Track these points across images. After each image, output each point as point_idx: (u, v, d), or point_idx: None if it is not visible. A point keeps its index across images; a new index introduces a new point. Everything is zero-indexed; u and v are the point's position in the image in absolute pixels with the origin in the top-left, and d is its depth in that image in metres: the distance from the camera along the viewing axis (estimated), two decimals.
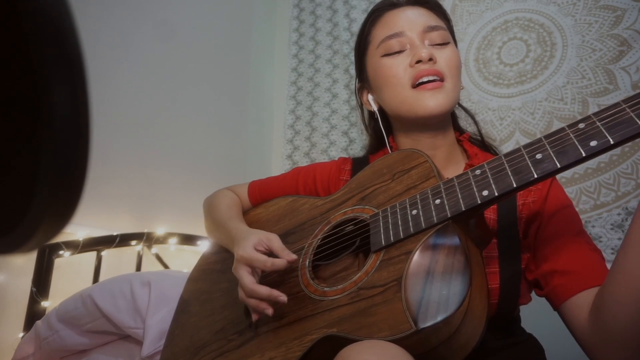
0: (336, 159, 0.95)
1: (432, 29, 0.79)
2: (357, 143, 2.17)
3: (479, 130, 0.90)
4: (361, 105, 0.94)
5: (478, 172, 0.60)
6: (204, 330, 0.82)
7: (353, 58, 0.94)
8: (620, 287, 0.56)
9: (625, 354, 0.57)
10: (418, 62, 0.76)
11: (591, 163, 1.55)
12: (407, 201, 0.66)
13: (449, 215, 0.59)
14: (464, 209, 0.58)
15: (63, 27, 0.20)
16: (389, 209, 0.67)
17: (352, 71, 2.19)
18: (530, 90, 1.73)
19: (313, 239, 0.76)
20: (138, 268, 1.64)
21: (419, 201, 0.64)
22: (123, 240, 1.55)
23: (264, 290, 0.67)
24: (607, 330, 0.58)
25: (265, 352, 0.67)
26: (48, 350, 1.17)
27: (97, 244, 1.50)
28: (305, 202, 0.85)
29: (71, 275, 1.47)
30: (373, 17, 0.85)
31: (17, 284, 1.37)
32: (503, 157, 0.59)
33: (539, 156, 0.55)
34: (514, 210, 0.73)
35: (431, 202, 0.62)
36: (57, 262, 1.40)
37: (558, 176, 1.45)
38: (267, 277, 0.76)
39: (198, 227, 1.24)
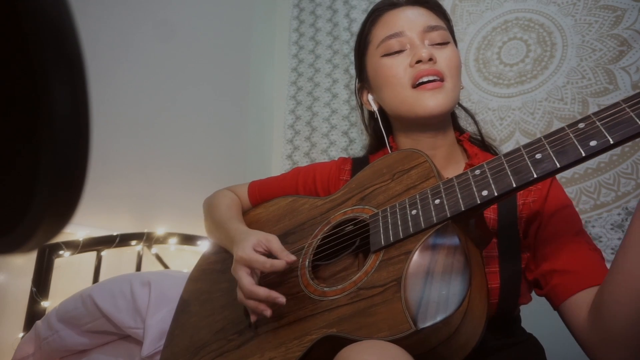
0: (336, 159, 0.95)
1: (432, 28, 0.79)
2: (357, 143, 2.17)
3: (479, 130, 0.90)
4: (361, 105, 0.94)
5: (478, 172, 0.60)
6: (203, 330, 0.82)
7: (353, 58, 0.94)
8: (620, 287, 0.56)
9: (624, 353, 0.57)
10: (418, 62, 0.76)
11: (591, 163, 1.55)
12: (407, 201, 0.66)
13: (448, 215, 0.59)
14: (463, 209, 0.58)
15: (63, 27, 0.20)
16: (388, 209, 0.67)
17: (352, 71, 2.19)
18: (530, 90, 1.74)
19: (313, 239, 0.76)
20: (138, 268, 1.64)
21: (418, 201, 0.64)
22: (123, 240, 1.55)
23: (263, 291, 0.67)
24: (606, 330, 0.58)
25: (265, 352, 0.67)
26: (48, 350, 1.18)
27: (97, 244, 1.50)
28: (305, 202, 0.85)
29: (71, 275, 1.47)
30: (373, 17, 0.85)
31: (17, 284, 1.37)
32: (503, 157, 0.59)
33: (538, 156, 0.55)
34: (514, 210, 0.73)
35: (431, 202, 0.62)
36: (57, 262, 1.40)
37: (558, 176, 1.45)
38: (266, 278, 0.76)
39: (198, 227, 1.24)
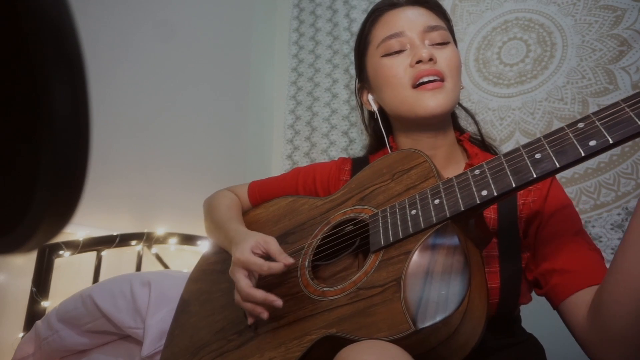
0: (336, 159, 0.95)
1: (432, 28, 0.79)
2: (357, 143, 2.17)
3: (479, 130, 0.90)
4: (361, 105, 0.94)
5: (477, 172, 0.60)
6: (203, 331, 0.82)
7: (353, 58, 0.94)
8: (619, 287, 0.56)
9: (623, 353, 0.57)
10: (418, 62, 0.76)
11: (591, 163, 1.55)
12: (407, 201, 0.66)
13: (448, 215, 0.59)
14: (463, 209, 0.58)
15: (63, 27, 0.20)
16: (388, 209, 0.67)
17: (352, 71, 2.19)
18: (530, 90, 1.74)
19: (313, 239, 0.76)
20: (138, 268, 1.64)
21: (418, 201, 0.64)
22: (123, 240, 1.55)
23: (260, 294, 0.67)
24: (605, 329, 0.58)
25: (265, 353, 0.67)
26: (48, 350, 1.18)
27: (97, 244, 1.50)
28: (305, 202, 0.85)
29: (71, 275, 1.47)
30: (373, 17, 0.85)
31: (17, 284, 1.37)
32: (502, 157, 0.59)
33: (538, 156, 0.55)
34: (514, 209, 0.74)
35: (430, 202, 0.62)
36: (57, 262, 1.40)
37: (558, 176, 1.45)
38: (266, 278, 0.76)
39: (198, 227, 1.24)
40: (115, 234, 1.54)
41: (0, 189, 0.24)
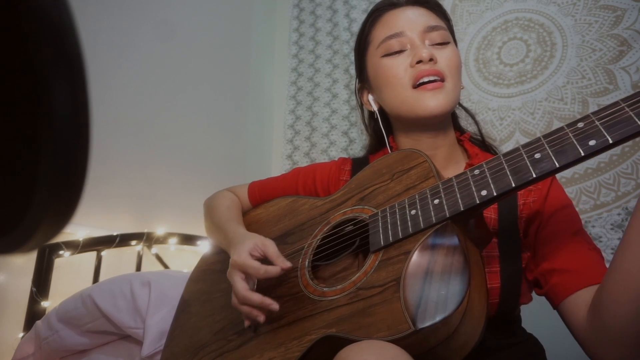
0: (336, 159, 0.95)
1: (432, 28, 0.79)
2: (357, 143, 2.17)
3: (480, 130, 0.90)
4: (361, 106, 0.94)
5: (477, 172, 0.60)
6: (203, 331, 0.82)
7: (353, 58, 0.94)
8: (619, 286, 0.56)
9: (623, 352, 0.58)
10: (419, 62, 0.76)
11: (591, 163, 1.55)
12: (406, 201, 0.66)
13: (447, 215, 0.59)
14: (462, 209, 0.58)
15: (63, 27, 0.20)
16: (387, 209, 0.67)
17: (352, 71, 2.19)
18: (530, 90, 1.74)
19: (312, 239, 0.76)
20: (138, 268, 1.64)
21: (417, 201, 0.64)
22: (123, 240, 1.55)
23: (256, 297, 0.67)
24: (605, 329, 0.58)
25: (265, 353, 0.67)
26: (48, 350, 1.18)
27: (97, 244, 1.50)
28: (305, 202, 0.85)
29: (71, 275, 1.47)
30: (373, 17, 0.85)
31: (17, 284, 1.37)
32: (502, 157, 0.59)
33: (537, 156, 0.55)
34: (514, 210, 0.74)
35: (430, 202, 0.62)
36: (57, 262, 1.40)
37: (558, 176, 1.45)
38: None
39: (198, 227, 1.24)
40: (115, 234, 1.54)
41: (0, 189, 0.24)
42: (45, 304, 1.33)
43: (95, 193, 1.41)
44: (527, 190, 0.75)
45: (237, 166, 2.19)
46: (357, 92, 0.93)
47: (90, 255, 1.50)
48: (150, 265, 1.68)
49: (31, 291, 1.33)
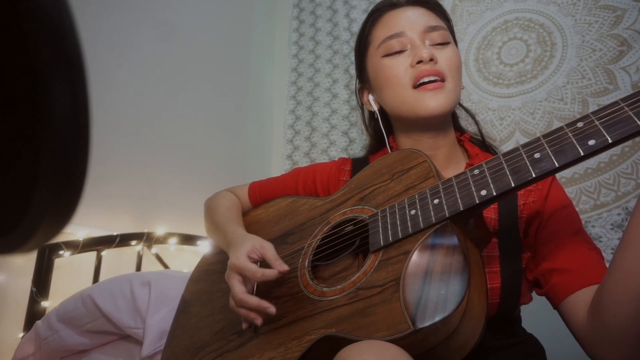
0: (336, 159, 0.95)
1: (432, 29, 0.79)
2: (357, 143, 2.17)
3: (480, 131, 0.90)
4: (361, 106, 0.94)
5: (476, 171, 0.60)
6: (204, 331, 0.82)
7: (353, 58, 0.94)
8: (618, 286, 0.56)
9: (623, 351, 0.58)
10: (419, 62, 0.76)
11: (591, 163, 1.55)
12: (406, 201, 0.66)
13: (447, 215, 0.59)
14: (462, 209, 0.58)
15: (63, 27, 0.20)
16: (387, 209, 0.67)
17: (352, 71, 2.19)
18: (530, 90, 1.74)
19: (312, 239, 0.76)
20: (138, 268, 1.64)
21: (417, 201, 0.64)
22: (123, 240, 1.56)
23: (253, 300, 0.67)
24: (605, 329, 0.58)
25: (264, 353, 0.67)
26: (48, 350, 1.18)
27: (97, 244, 1.50)
28: (305, 202, 0.85)
29: (71, 275, 1.47)
30: (373, 18, 0.85)
31: (17, 284, 1.37)
32: (501, 157, 0.59)
33: (537, 155, 0.55)
34: (515, 210, 0.74)
35: (430, 202, 0.62)
36: (57, 262, 1.40)
37: (558, 176, 1.45)
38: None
39: (198, 227, 1.24)
40: (115, 234, 1.54)
41: (0, 189, 0.24)
42: (45, 304, 1.33)
43: (95, 193, 1.41)
44: (527, 191, 0.75)
45: (237, 166, 2.19)
46: (357, 92, 0.93)
47: (90, 255, 1.51)
48: (150, 265, 1.68)
49: (31, 291, 1.33)
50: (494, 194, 0.56)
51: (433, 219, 0.60)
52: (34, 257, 1.37)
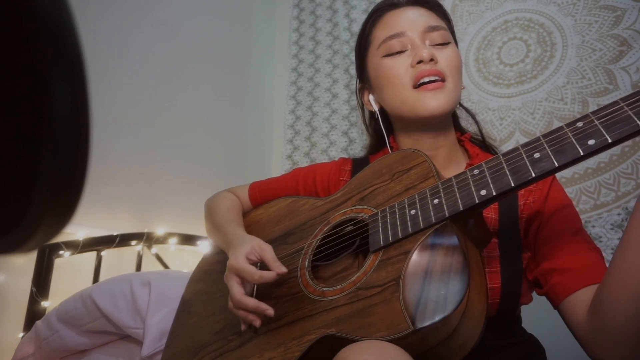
0: (336, 159, 0.95)
1: (432, 29, 0.79)
2: (357, 143, 2.17)
3: (480, 131, 0.90)
4: (362, 106, 0.94)
5: (476, 171, 0.60)
6: (204, 331, 0.82)
7: (353, 58, 0.95)
8: (618, 286, 0.56)
9: (623, 351, 0.58)
10: (419, 62, 0.76)
11: (591, 163, 1.55)
12: (406, 201, 0.66)
13: (447, 215, 0.59)
14: (462, 209, 0.58)
15: (63, 27, 0.20)
16: (387, 209, 0.67)
17: (352, 71, 2.19)
18: (530, 90, 1.74)
19: (313, 239, 0.76)
20: (138, 268, 1.64)
21: (417, 201, 0.64)
22: (123, 240, 1.55)
23: (252, 302, 0.67)
24: (605, 328, 0.58)
25: (264, 353, 0.67)
26: (48, 350, 1.18)
27: (97, 244, 1.50)
28: (305, 202, 0.85)
29: (71, 275, 1.47)
30: (373, 18, 0.85)
31: (17, 284, 1.37)
32: (501, 157, 0.59)
33: (537, 155, 0.55)
34: (515, 210, 0.74)
35: (429, 202, 0.62)
36: (57, 262, 1.40)
37: (558, 176, 1.45)
38: None
39: (198, 227, 1.24)
40: (115, 234, 1.54)
41: (0, 189, 0.24)
42: (45, 304, 1.33)
43: (95, 193, 1.41)
44: (528, 191, 0.75)
45: (237, 166, 2.19)
46: (357, 92, 0.93)
47: (90, 255, 1.51)
48: (150, 265, 1.68)
49: (31, 291, 1.33)
50: (494, 193, 0.56)
51: (433, 219, 0.60)
52: (34, 257, 1.37)
